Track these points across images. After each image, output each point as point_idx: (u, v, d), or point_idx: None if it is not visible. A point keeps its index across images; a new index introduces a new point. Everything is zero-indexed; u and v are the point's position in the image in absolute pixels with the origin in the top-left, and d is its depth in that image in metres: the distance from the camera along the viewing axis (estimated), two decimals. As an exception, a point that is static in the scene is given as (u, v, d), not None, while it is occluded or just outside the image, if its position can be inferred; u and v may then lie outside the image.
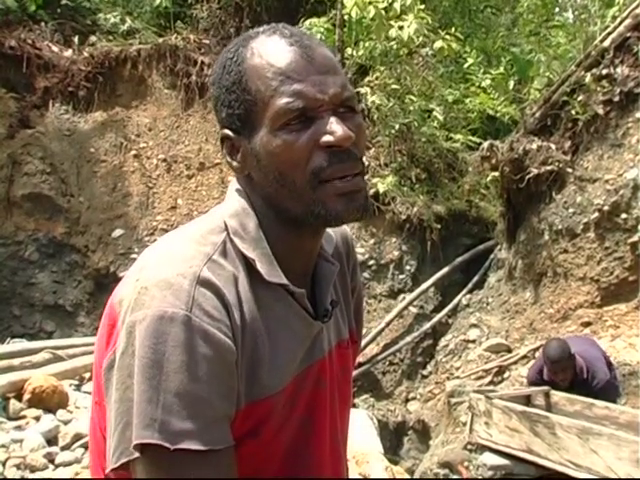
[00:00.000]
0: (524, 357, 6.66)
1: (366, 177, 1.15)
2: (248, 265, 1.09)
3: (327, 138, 1.05)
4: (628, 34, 6.70)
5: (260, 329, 1.07)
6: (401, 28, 8.31)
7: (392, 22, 8.43)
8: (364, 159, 1.14)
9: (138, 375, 0.96)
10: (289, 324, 1.12)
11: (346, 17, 8.94)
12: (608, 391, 5.10)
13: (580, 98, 6.84)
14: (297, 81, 1.05)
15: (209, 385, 0.97)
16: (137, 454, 0.95)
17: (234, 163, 1.15)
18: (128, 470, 0.98)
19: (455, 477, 5.72)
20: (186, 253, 1.05)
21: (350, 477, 1.45)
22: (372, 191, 8.39)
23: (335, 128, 1.05)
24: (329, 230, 1.22)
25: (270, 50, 1.09)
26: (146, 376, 0.96)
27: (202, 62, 9.90)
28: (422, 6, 8.61)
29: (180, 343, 0.96)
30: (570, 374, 5.03)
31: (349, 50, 9.14)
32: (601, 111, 6.68)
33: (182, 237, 1.11)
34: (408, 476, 4.67)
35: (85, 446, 4.17)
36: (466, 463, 5.73)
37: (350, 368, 1.33)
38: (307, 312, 1.15)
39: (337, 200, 1.06)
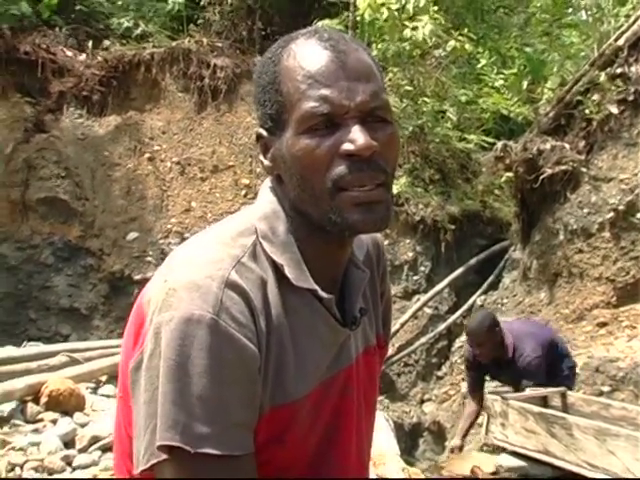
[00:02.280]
0: (540, 358, 6.63)
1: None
2: (277, 269, 1.08)
3: (347, 146, 1.04)
4: (642, 33, 6.67)
5: (287, 334, 1.07)
6: (415, 29, 8.30)
7: (406, 23, 8.42)
8: (394, 171, 1.12)
9: (163, 377, 0.97)
10: (316, 330, 1.12)
11: (359, 19, 8.94)
12: (533, 370, 4.97)
13: (594, 97, 6.82)
14: (325, 86, 1.04)
15: (231, 391, 0.97)
16: (164, 456, 0.96)
17: (265, 162, 1.15)
18: (153, 472, 0.99)
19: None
20: (215, 255, 1.05)
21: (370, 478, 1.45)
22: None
23: (357, 136, 1.03)
24: (361, 236, 1.21)
25: (304, 53, 1.08)
26: (171, 378, 0.96)
27: (215, 65, 9.93)
28: (435, 7, 8.60)
29: (206, 346, 0.96)
30: (489, 350, 4.92)
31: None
32: (615, 110, 6.65)
33: (211, 239, 1.10)
34: (423, 477, 4.65)
35: (102, 449, 4.19)
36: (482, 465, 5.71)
37: (376, 374, 1.32)
38: (335, 319, 1.15)
39: (354, 209, 1.05)
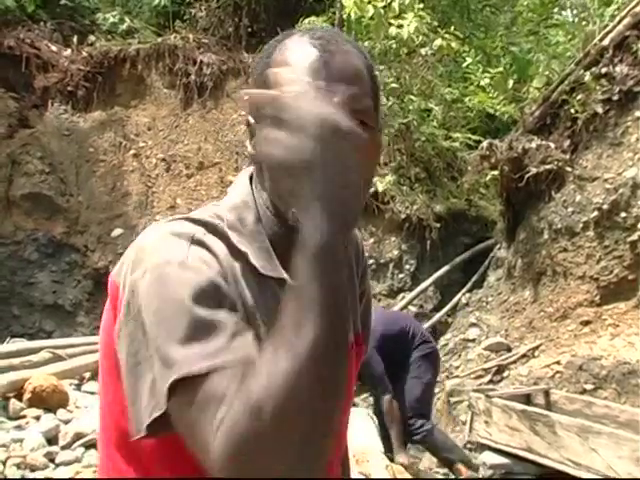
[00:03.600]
0: (524, 356, 6.66)
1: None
2: (243, 258, 1.08)
3: None
4: (627, 33, 6.70)
5: (254, 311, 1.06)
6: (400, 27, 8.31)
7: (391, 21, 8.43)
8: (370, 176, 1.11)
9: (151, 325, 0.95)
10: None
11: (345, 16, 8.93)
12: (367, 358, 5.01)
13: (579, 97, 6.85)
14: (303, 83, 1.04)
15: (217, 310, 0.95)
16: (165, 406, 0.91)
17: (249, 149, 1.15)
18: (156, 436, 0.96)
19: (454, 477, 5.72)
20: (182, 225, 1.06)
21: (351, 476, 1.45)
22: (371, 190, 8.39)
23: None
24: None
25: (293, 49, 1.09)
26: (160, 320, 0.95)
27: (201, 61, 9.91)
28: (421, 5, 8.61)
29: (181, 279, 0.96)
30: None
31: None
32: (600, 110, 6.68)
33: (179, 218, 1.11)
34: (408, 475, 4.66)
35: (86, 445, 4.17)
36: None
37: (352, 371, 1.32)
38: None
39: None
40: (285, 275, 1.08)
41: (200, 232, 1.05)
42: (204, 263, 1.00)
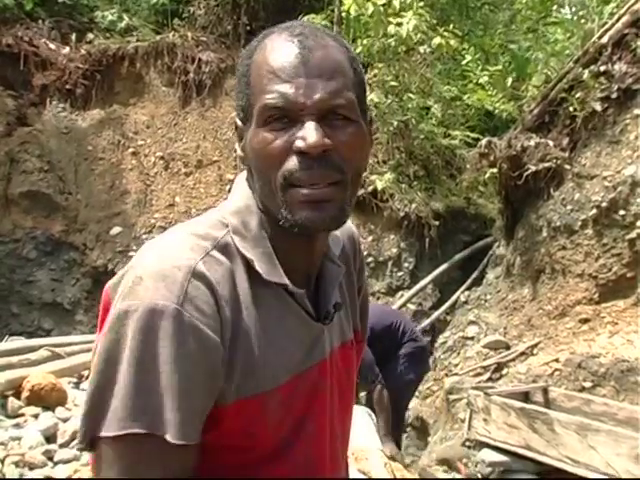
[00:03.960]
0: (522, 354, 6.66)
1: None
2: (248, 264, 1.09)
3: (298, 143, 1.03)
4: (626, 31, 6.70)
5: (256, 326, 1.07)
6: (399, 25, 8.30)
7: (391, 19, 8.42)
8: (358, 170, 1.11)
9: (128, 366, 0.96)
10: (286, 324, 1.12)
11: (344, 14, 8.93)
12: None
13: (578, 95, 6.84)
14: (283, 81, 1.04)
15: (195, 380, 0.98)
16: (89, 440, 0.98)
17: (238, 151, 1.16)
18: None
19: (454, 475, 5.72)
20: (185, 246, 1.05)
21: (350, 475, 1.45)
22: (370, 188, 8.39)
23: (308, 134, 1.03)
24: (336, 231, 1.20)
25: (272, 47, 1.09)
26: (136, 368, 0.96)
27: (200, 59, 9.90)
28: (421, 3, 8.60)
29: (169, 336, 0.96)
30: None
31: (347, 47, 9.11)
32: (599, 108, 6.68)
33: (183, 231, 1.10)
34: (407, 472, 4.66)
35: (84, 443, 4.17)
36: (464, 460, 5.74)
37: (353, 368, 1.33)
38: (308, 313, 1.15)
39: (302, 206, 1.05)
40: (287, 281, 1.09)
41: (203, 254, 1.05)
42: (199, 310, 0.99)
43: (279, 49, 1.07)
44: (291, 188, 1.05)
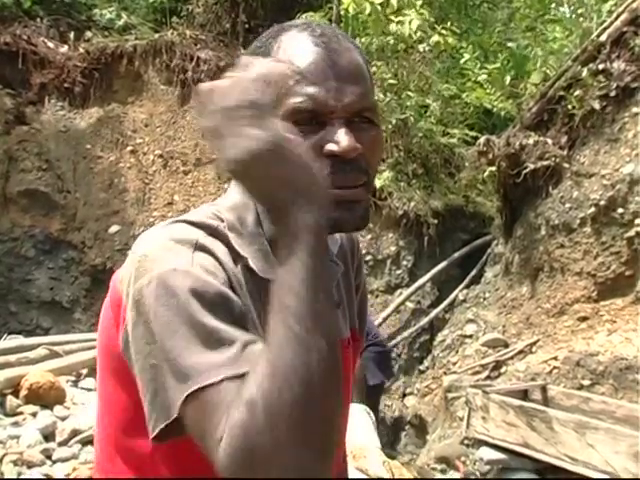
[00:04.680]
0: (521, 352, 6.67)
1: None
2: (242, 260, 1.08)
3: (331, 147, 1.04)
4: (625, 29, 6.69)
5: (253, 316, 1.05)
6: (400, 23, 8.29)
7: (391, 17, 8.41)
8: (375, 172, 1.13)
9: (161, 335, 0.94)
10: None
11: (342, 12, 8.92)
12: None
13: (577, 93, 6.84)
14: (312, 83, 1.04)
15: (225, 319, 0.95)
16: (175, 414, 0.92)
17: None
18: (167, 441, 0.96)
19: (452, 473, 5.73)
20: (183, 229, 1.05)
21: (349, 474, 1.44)
22: (369, 186, 8.38)
23: (341, 138, 1.03)
24: None
25: (295, 47, 1.08)
26: (170, 331, 0.94)
27: (198, 58, 9.89)
28: (419, 1, 8.59)
29: (189, 289, 0.95)
30: None
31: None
32: (597, 106, 6.67)
33: (178, 220, 1.10)
34: (405, 470, 4.66)
35: (82, 442, 4.18)
36: (463, 458, 5.75)
37: (350, 367, 1.32)
38: None
39: (334, 208, 1.03)
40: None
41: (201, 236, 1.04)
42: (209, 271, 0.99)
43: (304, 50, 1.07)
44: None
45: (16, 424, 4.33)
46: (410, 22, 8.24)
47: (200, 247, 1.01)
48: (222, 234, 1.08)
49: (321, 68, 1.05)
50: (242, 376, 0.88)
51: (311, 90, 1.04)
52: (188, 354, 0.92)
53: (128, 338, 1.00)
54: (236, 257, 1.07)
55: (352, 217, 1.08)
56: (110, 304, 1.09)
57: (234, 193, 1.16)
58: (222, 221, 1.10)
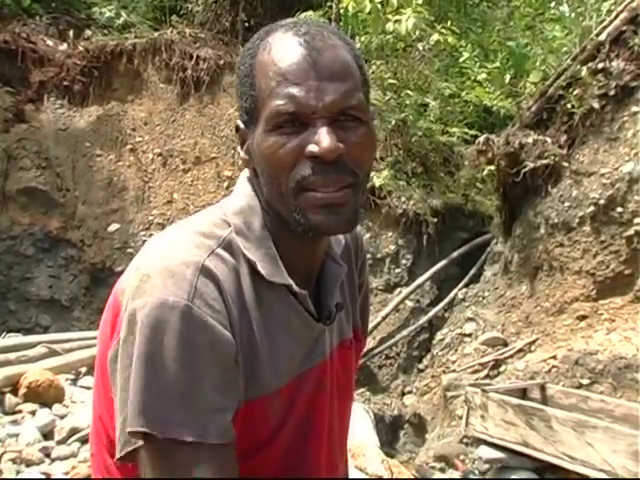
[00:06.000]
0: (520, 351, 6.67)
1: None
2: (250, 264, 1.08)
3: (312, 148, 1.02)
4: (624, 28, 6.69)
5: (259, 327, 1.06)
6: (397, 22, 8.29)
7: (389, 16, 8.40)
8: (368, 171, 1.11)
9: (136, 363, 0.95)
10: (290, 325, 1.11)
11: (342, 11, 8.91)
12: None
13: (576, 92, 6.84)
14: (293, 84, 1.02)
15: (205, 376, 0.96)
16: (139, 442, 0.95)
17: (242, 154, 1.14)
18: (134, 459, 0.98)
19: (451, 471, 5.73)
20: (190, 243, 1.04)
21: (349, 474, 1.45)
22: (368, 185, 8.37)
23: (322, 139, 1.01)
24: None
25: (278, 48, 1.06)
26: (143, 365, 0.95)
27: (198, 56, 9.88)
28: (420, 0, 8.58)
29: (179, 333, 0.95)
30: None
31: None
32: (597, 105, 6.67)
33: (186, 228, 1.09)
34: (404, 468, 4.67)
35: (81, 440, 4.17)
36: (462, 456, 5.75)
37: (352, 367, 1.31)
38: (310, 314, 1.14)
39: (317, 211, 1.04)
40: (290, 281, 1.08)
41: (209, 251, 1.04)
42: (208, 304, 0.98)
43: (286, 50, 1.05)
44: (304, 192, 1.03)
45: (15, 422, 4.33)
46: (407, 20, 8.23)
47: (205, 271, 1.00)
48: (233, 244, 1.08)
49: (302, 68, 1.03)
50: (200, 445, 0.92)
51: (292, 91, 1.02)
52: (149, 395, 0.94)
53: (118, 351, 1.00)
54: (245, 262, 1.07)
55: (336, 220, 1.05)
56: (110, 311, 1.09)
57: (240, 196, 1.15)
58: (229, 226, 1.10)
